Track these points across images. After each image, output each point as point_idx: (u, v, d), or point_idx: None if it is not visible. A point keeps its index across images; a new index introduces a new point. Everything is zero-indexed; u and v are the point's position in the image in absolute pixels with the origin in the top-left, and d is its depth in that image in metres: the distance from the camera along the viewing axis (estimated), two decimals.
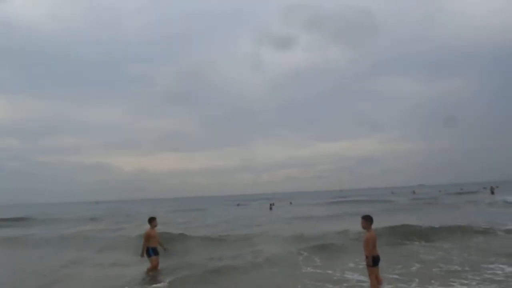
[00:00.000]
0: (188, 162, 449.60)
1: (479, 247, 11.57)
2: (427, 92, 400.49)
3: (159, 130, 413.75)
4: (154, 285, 8.62)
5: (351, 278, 8.63)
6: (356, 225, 10.80)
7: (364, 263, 7.02)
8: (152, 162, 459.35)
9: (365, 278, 7.78)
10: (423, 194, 62.14)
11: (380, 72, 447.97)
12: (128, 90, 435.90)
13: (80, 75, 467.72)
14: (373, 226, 6.85)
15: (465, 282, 7.86)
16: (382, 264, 7.11)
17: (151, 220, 9.86)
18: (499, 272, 8.47)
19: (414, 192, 74.02)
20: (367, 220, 6.84)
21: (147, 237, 9.73)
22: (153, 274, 9.74)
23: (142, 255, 9.85)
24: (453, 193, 59.33)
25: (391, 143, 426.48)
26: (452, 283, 7.77)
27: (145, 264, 10.17)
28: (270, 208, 42.99)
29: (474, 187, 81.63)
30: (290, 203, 58.00)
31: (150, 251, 9.75)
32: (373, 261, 6.74)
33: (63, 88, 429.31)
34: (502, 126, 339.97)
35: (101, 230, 23.92)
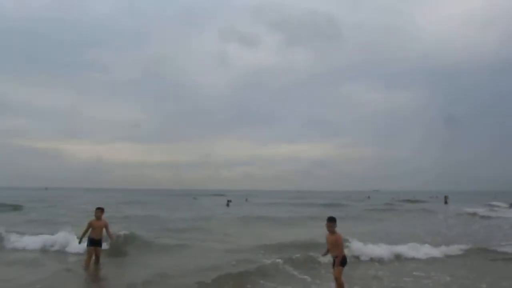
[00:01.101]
0: (146, 154, 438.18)
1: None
2: (384, 100, 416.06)
3: (116, 120, 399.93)
4: None
5: None
6: (317, 232, 10.98)
7: None
8: (107, 152, 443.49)
9: None
10: (378, 200, 62.93)
11: (341, 77, 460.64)
12: (84, 76, 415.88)
13: (33, 54, 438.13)
14: None
15: None
16: None
17: (96, 211, 9.69)
18: None
19: (368, 197, 76.11)
20: (333, 222, 7.02)
21: (88, 226, 9.54)
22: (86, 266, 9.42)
23: (79, 242, 9.78)
24: (405, 200, 58.85)
25: (348, 148, 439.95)
26: None
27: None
28: (227, 205, 42.82)
29: (424, 195, 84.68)
30: (246, 199, 58.10)
31: (88, 242, 9.50)
32: (343, 261, 6.94)
33: (11, 66, 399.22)
34: (452, 139, 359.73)
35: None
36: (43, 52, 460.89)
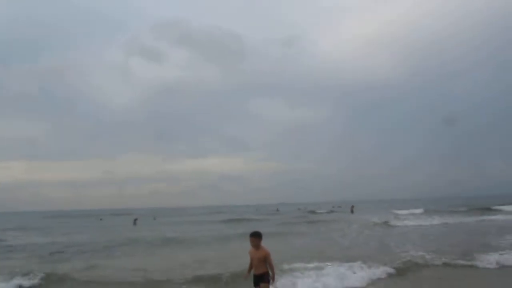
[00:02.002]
0: (41, 172, 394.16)
1: None
2: (291, 117, 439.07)
3: (7, 136, 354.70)
4: None
5: None
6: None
7: None
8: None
9: None
10: (287, 212, 64.36)
11: (248, 94, 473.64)
12: None
13: None
14: None
15: None
16: None
17: None
18: None
19: (277, 210, 77.85)
20: (258, 237, 6.55)
21: None
22: None
23: None
24: (310, 212, 60.54)
25: (256, 163, 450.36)
26: None
27: None
28: (134, 223, 40.38)
29: (327, 206, 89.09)
30: (154, 218, 55.33)
31: None
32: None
33: None
34: (352, 152, 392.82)
35: None
36: None
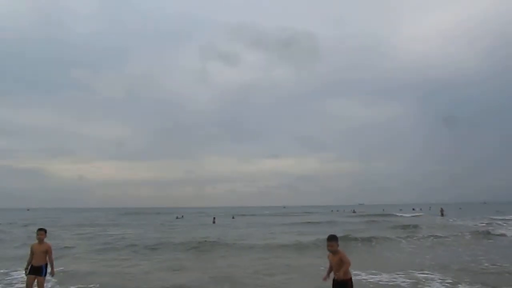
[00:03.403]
0: (129, 172, 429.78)
1: None
2: (368, 116, 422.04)
3: (99, 138, 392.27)
4: None
5: None
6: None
7: None
8: (90, 170, 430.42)
9: None
10: (363, 215, 59.28)
11: (324, 94, 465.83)
12: (68, 95, 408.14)
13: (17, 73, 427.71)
14: None
15: None
16: None
17: (37, 232, 7.98)
18: None
19: (354, 211, 74.85)
20: (334, 241, 6.02)
21: (31, 252, 7.88)
22: None
23: (25, 272, 7.91)
24: (391, 214, 56.26)
25: (332, 163, 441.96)
26: None
27: None
28: (213, 222, 41.61)
29: (407, 208, 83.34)
30: (233, 217, 56.24)
31: (30, 269, 7.80)
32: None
33: None
34: (436, 152, 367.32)
35: None
36: (27, 71, 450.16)
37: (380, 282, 9.68)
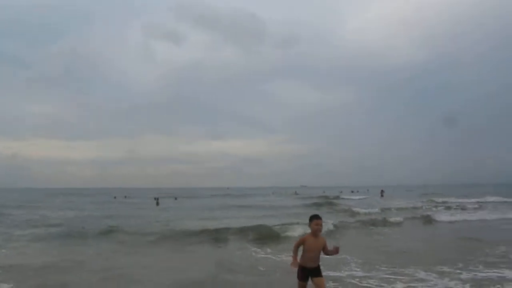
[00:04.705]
0: (68, 151, 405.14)
1: None
2: (316, 101, 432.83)
3: (35, 116, 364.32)
4: None
5: None
6: None
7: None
8: (25, 149, 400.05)
9: None
10: (305, 197, 59.30)
11: (271, 77, 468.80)
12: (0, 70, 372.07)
13: None
14: None
15: None
16: None
17: None
18: None
19: (296, 193, 76.45)
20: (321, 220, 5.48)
21: None
22: None
23: None
24: (336, 197, 53.58)
25: (279, 145, 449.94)
26: None
27: None
28: (157, 204, 40.09)
29: (346, 190, 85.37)
30: (175, 198, 55.53)
31: None
32: None
33: None
34: (378, 135, 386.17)
35: None
36: None
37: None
